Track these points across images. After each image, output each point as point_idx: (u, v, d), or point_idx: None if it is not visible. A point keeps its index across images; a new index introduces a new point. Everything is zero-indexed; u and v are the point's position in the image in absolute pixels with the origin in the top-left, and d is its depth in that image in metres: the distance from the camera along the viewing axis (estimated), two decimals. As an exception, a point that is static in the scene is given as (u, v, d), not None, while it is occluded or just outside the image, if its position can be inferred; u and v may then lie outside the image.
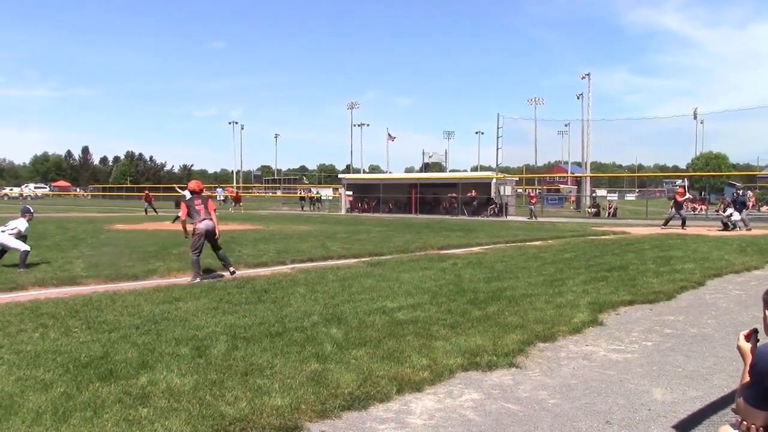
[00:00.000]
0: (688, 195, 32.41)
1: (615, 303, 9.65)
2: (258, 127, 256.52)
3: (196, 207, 12.24)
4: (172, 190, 49.28)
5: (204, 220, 12.12)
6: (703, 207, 48.50)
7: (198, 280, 11.68)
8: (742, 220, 28.46)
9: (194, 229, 12.12)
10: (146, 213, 42.97)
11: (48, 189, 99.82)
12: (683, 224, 30.34)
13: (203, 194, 13.09)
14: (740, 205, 29.64)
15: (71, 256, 14.98)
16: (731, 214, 28.83)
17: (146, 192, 49.45)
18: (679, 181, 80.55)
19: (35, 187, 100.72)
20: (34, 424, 4.40)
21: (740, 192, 33.91)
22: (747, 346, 3.29)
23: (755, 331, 3.29)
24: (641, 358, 6.76)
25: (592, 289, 10.72)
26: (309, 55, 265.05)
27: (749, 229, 27.66)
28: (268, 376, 5.63)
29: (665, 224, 30.57)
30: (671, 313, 9.22)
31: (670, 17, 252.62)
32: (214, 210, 12.60)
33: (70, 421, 4.47)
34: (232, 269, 12.45)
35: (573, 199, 64.09)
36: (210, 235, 12.22)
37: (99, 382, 5.34)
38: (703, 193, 61.60)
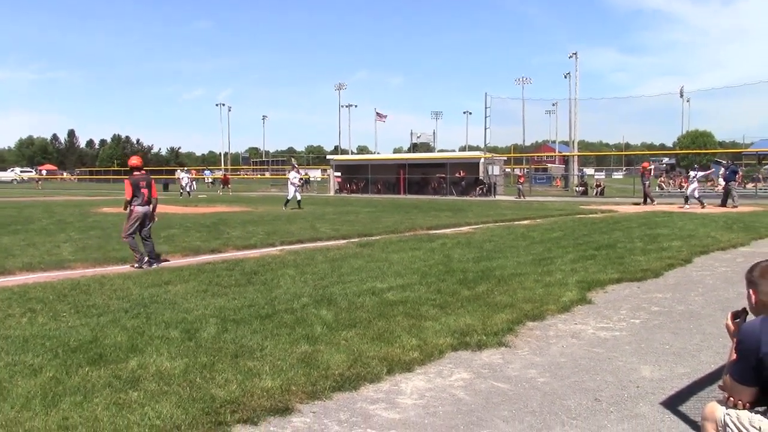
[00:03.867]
0: (651, 167, 33.93)
1: (603, 281, 9.70)
2: (246, 109, 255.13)
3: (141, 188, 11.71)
4: (160, 173, 49.10)
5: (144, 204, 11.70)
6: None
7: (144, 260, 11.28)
8: (731, 197, 28.59)
9: (131, 211, 11.65)
10: None
11: (34, 173, 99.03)
12: (645, 200, 32.00)
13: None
14: (731, 173, 29.95)
15: (59, 240, 14.89)
16: (695, 190, 29.25)
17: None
18: (666, 159, 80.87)
19: (21, 171, 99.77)
20: (23, 409, 4.39)
21: (729, 162, 34.54)
22: (734, 325, 3.33)
23: (744, 311, 3.32)
24: (629, 336, 6.81)
25: (581, 268, 10.77)
26: (297, 35, 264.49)
27: (735, 207, 27.79)
28: (258, 358, 5.64)
29: (645, 201, 31.77)
30: (659, 291, 9.28)
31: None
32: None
33: (60, 405, 4.47)
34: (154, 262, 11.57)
35: (559, 183, 64.16)
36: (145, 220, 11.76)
37: (88, 367, 5.33)
38: (689, 171, 61.89)
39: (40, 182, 75.43)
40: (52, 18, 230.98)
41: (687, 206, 27.89)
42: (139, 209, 11.57)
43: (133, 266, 11.14)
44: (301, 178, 31.09)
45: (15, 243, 14.26)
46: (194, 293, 8.64)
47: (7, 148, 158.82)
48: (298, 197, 29.04)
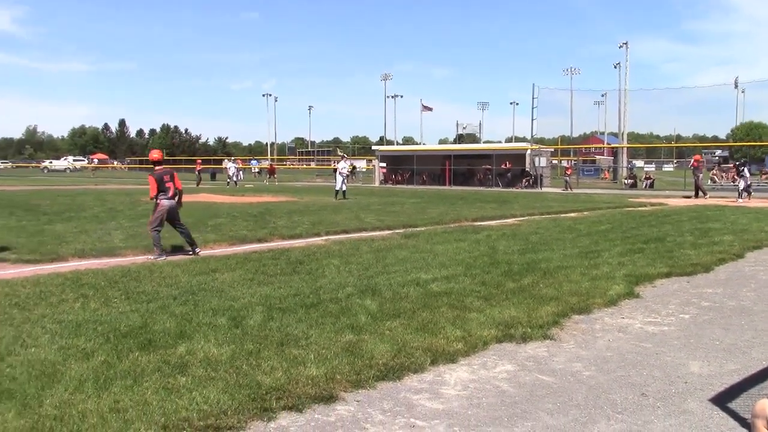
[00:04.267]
0: (702, 161, 32.95)
1: (651, 275, 9.55)
2: (292, 99, 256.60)
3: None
4: (208, 162, 49.93)
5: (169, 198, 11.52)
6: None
7: (163, 257, 10.97)
8: None
9: (157, 204, 11.51)
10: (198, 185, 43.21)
11: (86, 162, 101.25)
12: (696, 193, 31.00)
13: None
14: None
15: (110, 228, 15.23)
16: (749, 184, 28.72)
17: (198, 161, 50.12)
18: (718, 152, 79.03)
19: (74, 160, 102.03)
20: (76, 392, 4.52)
21: None
22: None
23: None
24: (678, 331, 6.70)
25: (628, 261, 10.62)
26: (343, 25, 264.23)
27: None
28: (303, 346, 5.70)
29: (697, 195, 30.95)
30: (709, 286, 9.10)
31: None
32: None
33: (111, 389, 4.58)
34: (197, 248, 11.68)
35: (607, 176, 63.12)
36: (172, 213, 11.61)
37: (138, 352, 5.46)
38: (740, 167, 60.42)
39: (94, 171, 77.58)
40: (104, 10, 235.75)
41: (740, 200, 27.34)
42: (165, 203, 11.39)
43: (149, 259, 10.89)
44: (350, 169, 31.04)
45: (68, 230, 14.63)
46: (241, 281, 8.75)
47: (60, 137, 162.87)
48: (344, 188, 29.10)
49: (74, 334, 6.02)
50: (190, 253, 11.50)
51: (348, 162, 30.45)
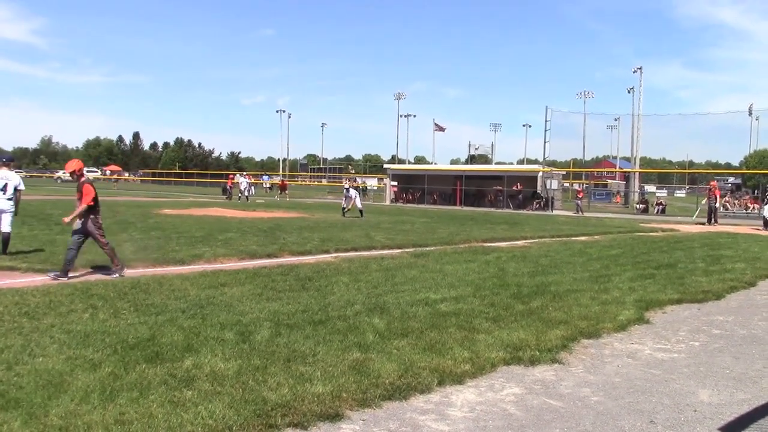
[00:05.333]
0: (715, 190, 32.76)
1: (662, 301, 9.49)
2: (305, 116, 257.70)
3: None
4: (220, 176, 50.19)
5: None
6: (756, 205, 47.30)
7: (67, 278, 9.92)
8: None
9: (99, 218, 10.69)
10: (230, 199, 43.88)
11: (99, 173, 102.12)
12: (710, 219, 31.24)
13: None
14: None
15: (120, 240, 15.25)
16: None
17: (230, 176, 50.50)
18: (731, 179, 78.71)
19: (87, 171, 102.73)
20: (82, 403, 4.52)
21: None
22: None
23: None
24: (688, 358, 6.64)
25: (639, 287, 10.56)
26: (357, 44, 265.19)
27: None
28: (310, 363, 5.69)
29: (710, 221, 31.11)
30: (720, 314, 9.03)
31: (726, 10, 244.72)
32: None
33: (117, 400, 4.59)
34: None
35: (619, 199, 62.91)
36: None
37: (145, 364, 5.47)
38: (756, 192, 59.99)
39: (117, 183, 78.73)
40: (120, 23, 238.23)
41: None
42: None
43: (113, 276, 10.22)
44: (355, 187, 31.10)
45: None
46: (249, 296, 8.76)
47: (75, 148, 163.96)
48: (359, 205, 29.08)
49: (82, 344, 6.04)
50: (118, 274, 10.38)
51: (351, 191, 30.16)
